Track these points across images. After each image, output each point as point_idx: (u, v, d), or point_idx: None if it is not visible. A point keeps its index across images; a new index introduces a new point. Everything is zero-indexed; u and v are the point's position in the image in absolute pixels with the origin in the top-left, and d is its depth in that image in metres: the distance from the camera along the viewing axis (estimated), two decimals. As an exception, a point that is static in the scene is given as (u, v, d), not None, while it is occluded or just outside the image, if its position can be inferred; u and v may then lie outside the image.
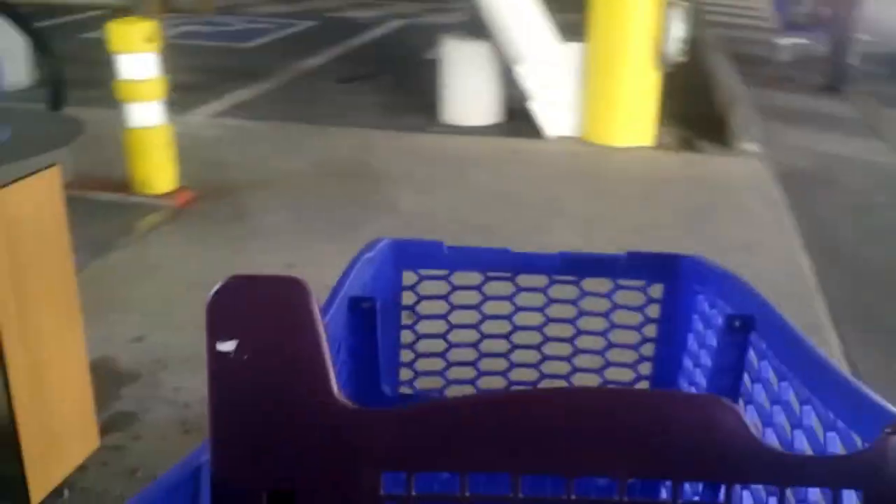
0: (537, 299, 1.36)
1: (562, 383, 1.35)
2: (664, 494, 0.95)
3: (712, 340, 1.19)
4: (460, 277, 1.33)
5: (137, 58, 3.62)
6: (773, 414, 1.03)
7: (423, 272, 1.31)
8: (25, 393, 1.83)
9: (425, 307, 1.34)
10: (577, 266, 1.33)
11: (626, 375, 1.36)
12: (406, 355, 1.36)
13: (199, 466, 0.64)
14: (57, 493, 1.93)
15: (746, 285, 1.16)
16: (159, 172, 3.84)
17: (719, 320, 1.16)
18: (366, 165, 4.44)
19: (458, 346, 1.38)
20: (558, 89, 4.94)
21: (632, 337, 1.35)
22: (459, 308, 1.35)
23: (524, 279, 1.34)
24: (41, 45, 3.67)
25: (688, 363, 1.29)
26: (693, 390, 1.23)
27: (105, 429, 2.15)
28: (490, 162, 4.58)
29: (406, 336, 1.36)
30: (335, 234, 3.42)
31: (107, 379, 2.34)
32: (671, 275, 1.30)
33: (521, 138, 4.83)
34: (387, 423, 0.66)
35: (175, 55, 5.69)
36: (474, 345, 1.38)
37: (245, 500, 0.65)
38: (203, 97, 5.63)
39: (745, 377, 1.13)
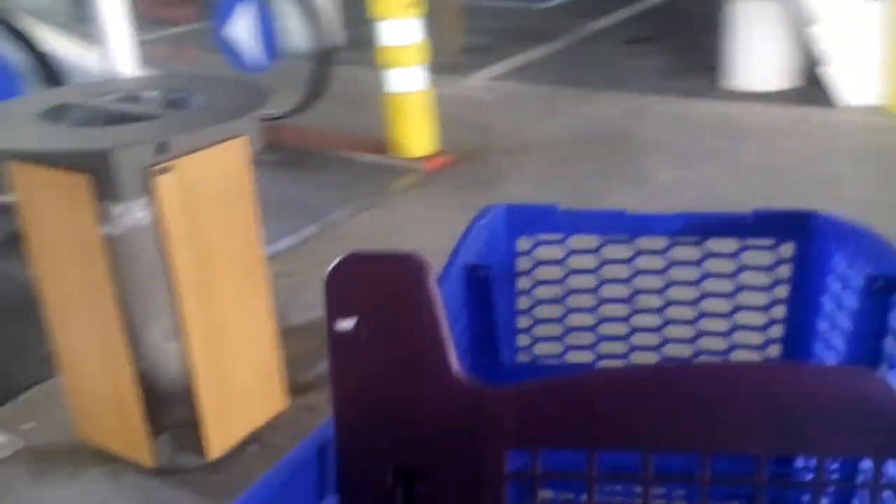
0: (657, 262, 1.31)
1: (686, 347, 1.31)
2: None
3: (851, 302, 1.12)
4: (577, 241, 1.30)
5: (399, 24, 3.66)
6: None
7: (539, 237, 1.29)
8: (203, 354, 1.93)
9: (541, 273, 1.32)
10: (700, 226, 1.27)
11: (755, 339, 1.30)
12: (523, 322, 1.34)
13: (325, 444, 0.65)
14: (241, 448, 2.07)
15: (888, 243, 1.09)
16: (417, 136, 3.90)
17: (859, 281, 1.10)
18: (629, 134, 4.20)
19: (575, 311, 1.35)
20: (858, 53, 4.36)
21: (761, 299, 1.29)
22: (576, 273, 1.32)
23: (644, 242, 1.30)
24: (310, 11, 4.01)
25: (823, 326, 1.22)
26: (831, 355, 1.16)
27: (306, 388, 2.26)
28: (767, 133, 4.15)
29: (523, 302, 1.34)
30: (577, 206, 3.28)
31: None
32: (803, 233, 1.23)
33: (808, 107, 4.30)
34: (510, 400, 0.65)
35: (470, 17, 5.96)
36: (592, 310, 1.35)
37: (370, 477, 0.65)
38: (487, 59, 5.63)
39: (889, 341, 1.06)
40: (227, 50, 4.22)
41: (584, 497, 0.68)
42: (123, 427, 2.02)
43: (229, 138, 1.89)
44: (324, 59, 4.08)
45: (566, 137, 4.21)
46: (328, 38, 4.06)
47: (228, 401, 2.04)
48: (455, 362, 0.65)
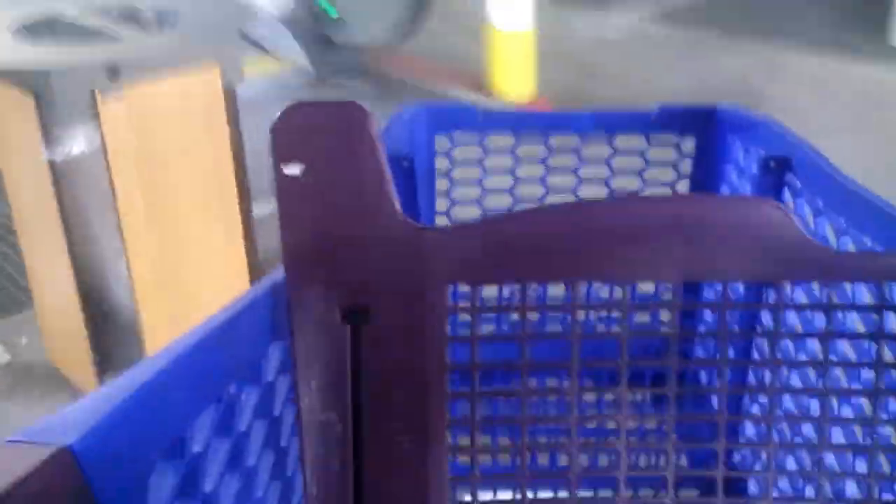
0: (569, 161, 1.38)
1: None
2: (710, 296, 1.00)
3: (747, 187, 1.22)
4: (492, 141, 1.36)
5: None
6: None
7: (456, 135, 1.34)
8: (153, 290, 1.91)
9: (458, 172, 1.37)
10: (609, 123, 1.35)
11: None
12: (440, 220, 1.40)
13: (276, 287, 0.69)
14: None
15: (781, 127, 1.19)
16: (515, 79, 3.67)
17: (754, 165, 1.19)
18: (762, 97, 3.65)
19: (492, 210, 1.41)
20: None
21: (666, 192, 1.38)
22: (493, 174, 1.38)
23: (557, 141, 1.37)
24: None
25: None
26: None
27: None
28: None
29: (441, 204, 1.40)
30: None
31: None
32: (704, 126, 1.32)
33: None
34: (449, 238, 0.70)
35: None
36: (509, 210, 1.41)
37: (320, 317, 0.69)
38: None
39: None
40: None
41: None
42: (76, 356, 2.00)
43: (198, 67, 1.80)
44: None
45: (683, 93, 3.80)
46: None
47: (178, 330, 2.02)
48: (398, 206, 0.69)
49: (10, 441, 0.45)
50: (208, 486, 0.57)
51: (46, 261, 1.97)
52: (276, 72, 4.19)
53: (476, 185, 1.40)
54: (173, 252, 1.96)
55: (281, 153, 0.69)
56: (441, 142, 1.34)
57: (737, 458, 1.13)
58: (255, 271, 2.15)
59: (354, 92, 3.87)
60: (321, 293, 0.70)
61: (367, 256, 0.69)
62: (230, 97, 1.97)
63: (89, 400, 0.49)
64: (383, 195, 0.69)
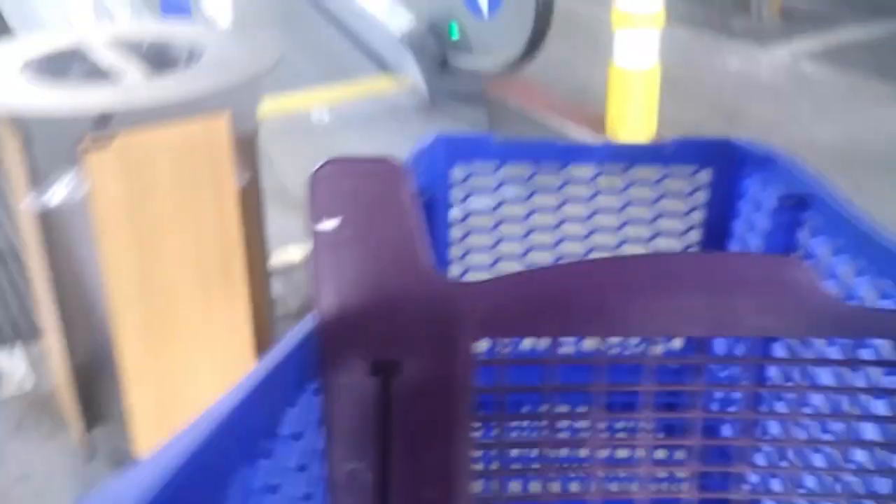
0: (584, 190, 1.40)
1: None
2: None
3: (764, 223, 1.24)
4: (509, 171, 1.38)
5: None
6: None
7: (474, 166, 1.35)
8: (140, 349, 1.75)
9: (475, 201, 1.39)
10: (625, 155, 1.37)
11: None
12: (455, 251, 1.42)
13: (307, 338, 0.70)
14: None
15: (800, 166, 1.20)
16: (636, 119, 3.36)
17: (772, 202, 1.21)
18: None
19: (506, 240, 1.43)
20: None
21: (679, 224, 1.40)
22: (509, 203, 1.40)
23: (574, 171, 1.39)
24: None
25: (735, 248, 1.34)
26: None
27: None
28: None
29: (456, 232, 1.41)
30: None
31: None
32: (721, 160, 1.34)
33: None
34: (478, 292, 0.72)
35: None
36: (522, 238, 1.43)
37: (350, 368, 0.71)
38: (801, 29, 4.60)
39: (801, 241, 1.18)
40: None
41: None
42: (64, 402, 1.96)
43: (204, 114, 1.61)
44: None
45: (833, 151, 3.33)
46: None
47: (171, 400, 1.86)
48: (430, 260, 0.71)
49: None
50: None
51: (45, 306, 1.90)
52: (389, 92, 4.10)
53: (490, 214, 1.41)
54: (163, 333, 1.77)
55: (317, 207, 0.70)
56: (457, 172, 1.36)
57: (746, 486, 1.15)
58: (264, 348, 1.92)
59: (467, 118, 3.75)
60: (352, 346, 0.71)
61: (398, 310, 0.71)
62: (245, 146, 1.77)
63: (147, 466, 0.51)
64: (415, 250, 0.71)
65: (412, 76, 4.04)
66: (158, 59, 1.92)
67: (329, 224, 0.70)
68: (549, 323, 0.72)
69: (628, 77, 3.32)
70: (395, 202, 0.70)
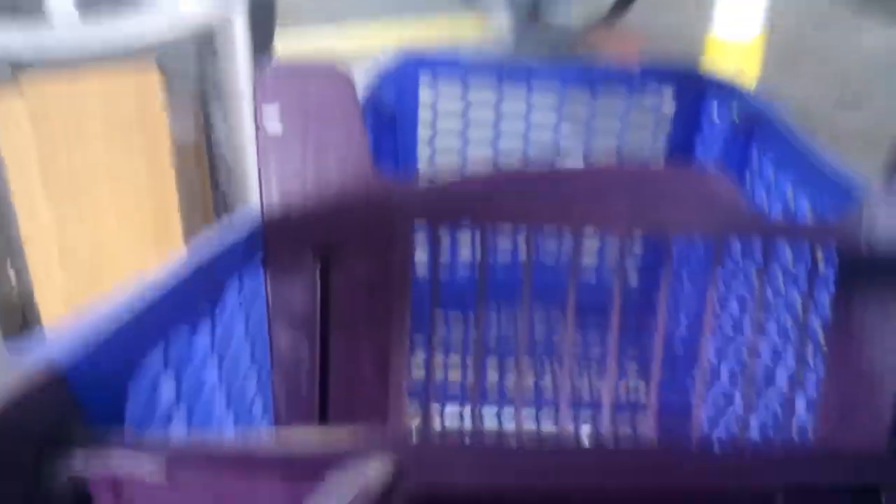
0: (551, 117, 1.44)
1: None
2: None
3: (720, 145, 1.29)
4: (476, 94, 1.42)
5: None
6: (770, 205, 1.14)
7: (441, 84, 1.39)
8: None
9: (442, 120, 1.43)
10: (591, 75, 1.40)
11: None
12: (423, 169, 1.46)
13: (257, 219, 0.76)
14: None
15: (753, 91, 1.25)
16: None
17: (727, 125, 1.26)
18: None
19: (474, 151, 1.47)
20: None
21: (644, 148, 1.45)
22: (475, 125, 1.44)
23: (539, 93, 1.43)
24: None
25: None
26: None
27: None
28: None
29: (423, 151, 1.46)
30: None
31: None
32: (683, 85, 1.38)
33: None
34: (417, 190, 0.78)
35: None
36: (492, 160, 1.48)
37: (292, 252, 0.77)
38: None
39: (747, 176, 1.24)
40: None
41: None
42: None
43: (137, 64, 1.49)
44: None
45: None
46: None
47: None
48: (370, 161, 0.76)
49: (2, 357, 0.51)
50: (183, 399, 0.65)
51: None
52: (470, 38, 3.89)
53: (458, 136, 1.46)
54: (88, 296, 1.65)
55: (262, 109, 0.75)
56: (425, 91, 1.40)
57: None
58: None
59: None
60: (294, 233, 0.77)
61: (338, 200, 0.76)
62: (191, 101, 1.64)
63: (79, 319, 0.56)
64: (359, 152, 0.76)
65: (499, 22, 3.74)
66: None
67: (274, 126, 0.75)
68: (479, 213, 0.78)
69: (725, 48, 2.93)
70: (340, 106, 0.75)
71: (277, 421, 0.76)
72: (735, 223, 0.77)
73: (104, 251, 1.63)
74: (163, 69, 1.56)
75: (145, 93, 1.54)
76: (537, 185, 0.78)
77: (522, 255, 1.15)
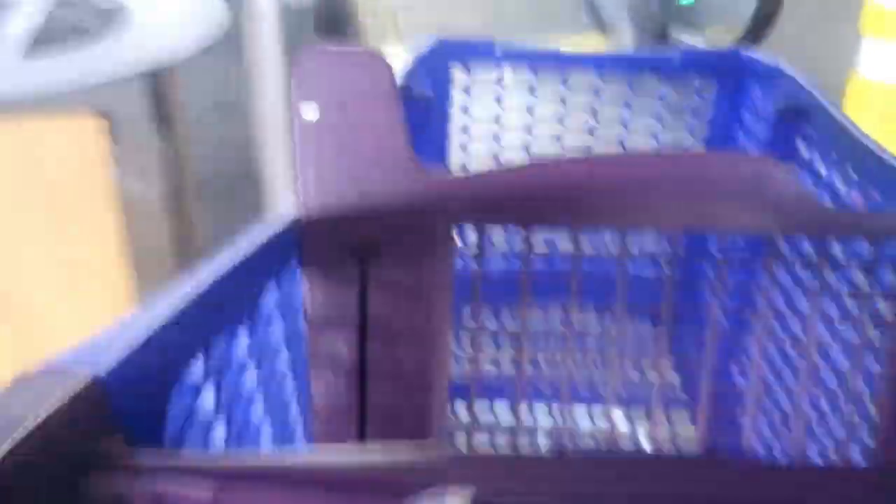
0: (588, 98, 1.41)
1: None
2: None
3: (764, 133, 1.25)
4: (510, 78, 1.39)
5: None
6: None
7: (474, 71, 1.37)
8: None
9: (475, 108, 1.41)
10: (629, 63, 1.37)
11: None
12: (456, 156, 1.44)
13: (294, 219, 0.74)
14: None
15: (801, 76, 1.21)
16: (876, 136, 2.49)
17: (772, 113, 1.22)
18: None
19: (508, 140, 1.45)
20: None
21: (683, 134, 1.41)
22: (510, 111, 1.41)
23: (576, 80, 1.40)
24: None
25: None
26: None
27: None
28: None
29: (456, 139, 1.43)
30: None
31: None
32: (726, 71, 1.34)
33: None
34: (459, 182, 0.75)
35: None
36: (525, 149, 1.45)
37: (331, 251, 0.75)
38: None
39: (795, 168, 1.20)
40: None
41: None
42: None
43: (76, 110, 1.32)
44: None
45: None
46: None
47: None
48: (411, 152, 0.74)
49: (41, 371, 0.50)
50: (222, 409, 0.63)
51: None
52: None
53: (493, 122, 1.43)
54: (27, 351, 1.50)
55: (299, 97, 0.73)
56: (459, 77, 1.37)
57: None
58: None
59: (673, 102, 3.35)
60: (332, 231, 0.74)
61: (378, 196, 0.74)
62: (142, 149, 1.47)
63: (116, 328, 0.55)
64: (399, 142, 0.74)
65: (624, 41, 3.47)
66: (60, 25, 1.49)
67: (311, 114, 0.72)
68: (523, 214, 0.75)
69: (870, 90, 2.64)
70: (377, 94, 0.72)
71: (315, 425, 0.74)
72: (802, 220, 0.74)
73: (44, 309, 1.49)
74: (107, 114, 1.37)
75: (86, 140, 1.35)
76: (582, 176, 0.75)
77: (560, 247, 1.13)
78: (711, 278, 1.36)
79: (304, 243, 0.74)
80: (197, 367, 0.60)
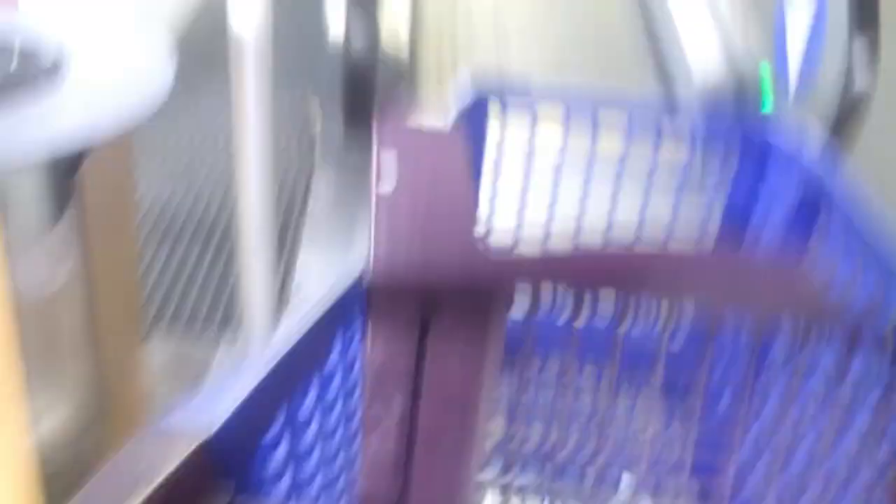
0: (614, 149, 1.47)
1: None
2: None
3: (781, 215, 1.32)
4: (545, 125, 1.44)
5: None
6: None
7: (509, 111, 1.42)
8: None
9: (507, 148, 1.46)
10: (656, 114, 1.43)
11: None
12: (484, 196, 1.49)
13: (362, 281, 0.79)
14: None
15: (823, 160, 1.27)
16: None
17: (791, 197, 1.29)
18: None
19: (536, 190, 1.51)
20: None
21: (701, 197, 1.47)
22: (540, 153, 1.47)
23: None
24: None
25: (752, 232, 1.42)
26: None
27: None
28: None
29: (487, 174, 1.49)
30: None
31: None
32: (749, 146, 1.40)
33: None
34: (519, 265, 0.81)
35: None
36: (552, 190, 1.51)
37: (393, 316, 0.80)
38: None
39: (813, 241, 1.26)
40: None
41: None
42: None
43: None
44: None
45: None
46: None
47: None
48: (476, 229, 0.80)
49: (155, 433, 0.56)
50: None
51: None
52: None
53: (522, 161, 1.48)
54: None
55: (380, 170, 0.79)
56: (493, 122, 1.43)
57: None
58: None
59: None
60: (395, 298, 0.80)
61: (444, 268, 0.80)
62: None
63: (215, 391, 0.61)
64: (467, 217, 0.80)
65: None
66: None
67: (389, 187, 0.78)
68: (577, 288, 0.81)
69: None
70: (451, 172, 0.78)
71: (361, 478, 0.80)
72: (820, 318, 0.80)
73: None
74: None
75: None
76: (622, 275, 0.82)
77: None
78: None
79: (370, 304, 0.80)
80: (278, 421, 0.66)
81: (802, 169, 1.31)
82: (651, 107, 1.46)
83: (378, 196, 0.78)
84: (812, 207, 1.26)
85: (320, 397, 0.77)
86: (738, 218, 1.44)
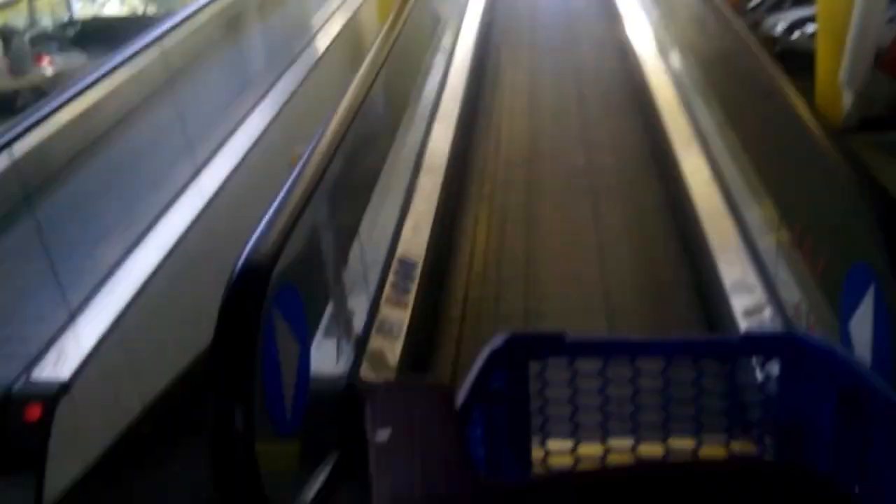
0: (656, 381, 1.52)
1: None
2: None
3: (829, 416, 1.32)
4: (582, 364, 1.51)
5: None
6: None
7: (548, 362, 1.49)
8: None
9: (550, 393, 1.52)
10: (693, 348, 1.48)
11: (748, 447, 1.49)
12: (536, 439, 1.54)
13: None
14: None
15: (854, 357, 1.30)
16: None
17: (831, 393, 1.30)
18: None
19: (583, 428, 1.55)
20: None
21: (752, 414, 1.49)
22: (583, 392, 1.52)
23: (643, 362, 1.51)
24: None
25: (807, 444, 1.42)
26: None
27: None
28: None
29: (535, 421, 1.54)
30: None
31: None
32: (787, 352, 1.43)
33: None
34: (515, 494, 0.86)
35: None
36: (600, 424, 1.54)
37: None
38: None
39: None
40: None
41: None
42: None
43: None
44: None
45: None
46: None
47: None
48: (474, 469, 0.87)
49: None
50: None
51: None
52: None
53: (567, 404, 1.54)
54: None
55: (375, 422, 0.87)
56: (532, 367, 1.50)
57: None
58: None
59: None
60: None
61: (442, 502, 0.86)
62: None
63: None
64: (457, 456, 0.86)
65: None
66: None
67: (383, 437, 0.86)
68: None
69: None
70: (441, 422, 0.87)
71: None
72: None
73: None
74: None
75: None
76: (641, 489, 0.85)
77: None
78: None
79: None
80: None
81: (838, 365, 1.33)
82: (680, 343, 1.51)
83: (375, 445, 0.87)
84: (855, 400, 1.27)
85: None
86: (791, 427, 1.44)
